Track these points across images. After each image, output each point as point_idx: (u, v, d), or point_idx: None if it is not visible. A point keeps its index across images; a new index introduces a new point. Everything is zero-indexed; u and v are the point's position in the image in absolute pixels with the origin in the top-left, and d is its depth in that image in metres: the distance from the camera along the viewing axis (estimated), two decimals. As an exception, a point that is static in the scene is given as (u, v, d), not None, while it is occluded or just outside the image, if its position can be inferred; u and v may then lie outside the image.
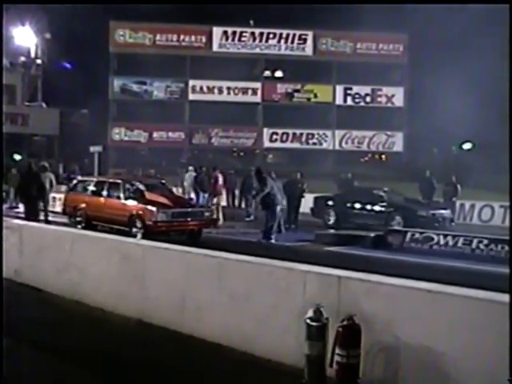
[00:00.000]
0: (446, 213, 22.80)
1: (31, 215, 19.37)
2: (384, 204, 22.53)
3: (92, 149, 34.61)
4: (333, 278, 7.00)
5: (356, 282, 6.84)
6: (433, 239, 17.49)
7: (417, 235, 17.92)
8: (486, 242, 16.46)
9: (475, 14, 38.33)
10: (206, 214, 18.95)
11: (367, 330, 6.33)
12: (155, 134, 59.85)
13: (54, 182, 22.69)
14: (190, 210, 18.41)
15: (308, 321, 6.47)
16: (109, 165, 48.86)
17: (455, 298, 6.10)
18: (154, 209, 17.58)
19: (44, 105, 50.49)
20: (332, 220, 23.73)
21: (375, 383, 6.41)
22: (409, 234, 18.05)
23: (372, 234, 18.75)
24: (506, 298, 5.86)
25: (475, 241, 16.66)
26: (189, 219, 18.03)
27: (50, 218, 21.58)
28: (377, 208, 22.56)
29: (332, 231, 20.81)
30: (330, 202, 24.25)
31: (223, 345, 7.81)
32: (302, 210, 23.61)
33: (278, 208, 18.94)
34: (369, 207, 22.72)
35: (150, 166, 38.71)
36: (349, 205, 23.46)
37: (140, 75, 59.02)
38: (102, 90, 58.04)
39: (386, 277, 6.76)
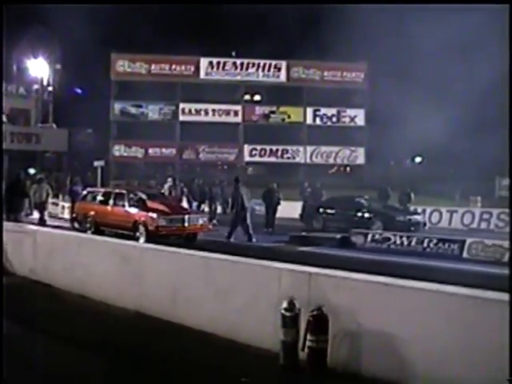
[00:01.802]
0: (420, 218, 22.64)
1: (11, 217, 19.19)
2: (365, 210, 22.00)
3: (96, 163, 34.44)
4: (304, 274, 7.01)
5: (324, 277, 6.87)
6: (390, 239, 17.49)
7: (377, 236, 17.92)
8: (435, 241, 16.52)
9: (426, 43, 38.62)
10: (201, 220, 18.72)
11: (334, 319, 6.35)
12: (150, 151, 59.58)
13: (50, 192, 22.92)
14: (186, 216, 18.12)
15: (283, 311, 6.49)
16: (110, 177, 48.61)
17: (408, 289, 6.15)
18: (155, 215, 17.46)
19: (54, 126, 50.22)
20: (318, 225, 23.15)
21: (341, 364, 6.43)
22: (370, 235, 18.02)
23: (338, 236, 18.67)
24: (448, 288, 5.93)
25: (426, 240, 16.72)
26: (186, 224, 17.78)
27: (49, 223, 21.64)
28: (359, 214, 21.93)
29: (304, 233, 20.33)
30: (317, 209, 23.72)
31: (209, 332, 7.80)
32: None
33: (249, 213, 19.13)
34: (352, 213, 21.99)
35: (146, 178, 38.53)
36: (334, 211, 22.96)
37: (137, 99, 58.78)
38: (104, 112, 57.80)
39: (350, 272, 6.79)
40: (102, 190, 21.43)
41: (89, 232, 18.59)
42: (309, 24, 53.36)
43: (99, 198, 19.99)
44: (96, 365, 6.99)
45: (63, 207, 27.87)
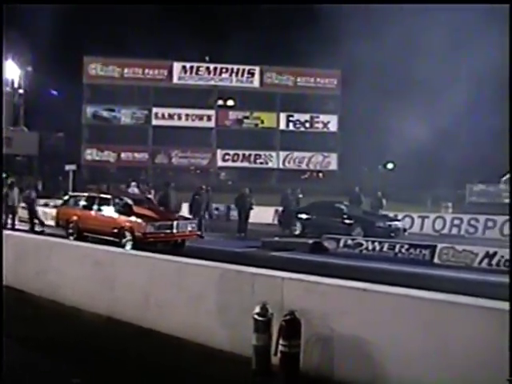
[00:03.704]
0: (400, 224, 22.49)
1: None
2: (345, 216, 21.76)
3: (67, 167, 34.04)
4: (277, 278, 7.04)
5: (297, 282, 6.89)
6: (362, 245, 17.58)
7: (349, 241, 17.97)
8: (406, 246, 16.64)
9: (399, 49, 39.01)
10: (189, 226, 18.07)
11: (306, 324, 6.38)
12: (123, 155, 59.50)
13: (19, 195, 22.84)
14: (175, 222, 17.47)
15: (255, 316, 6.50)
16: (83, 182, 48.30)
17: (380, 294, 6.20)
18: (142, 221, 16.90)
19: (25, 129, 49.90)
20: (298, 230, 22.90)
21: (314, 369, 6.45)
22: (342, 240, 18.07)
23: (310, 241, 18.65)
24: (420, 293, 6.00)
25: (398, 246, 16.84)
26: (174, 231, 17.23)
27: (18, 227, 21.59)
28: (339, 220, 21.60)
29: (276, 238, 20.14)
30: (297, 215, 23.45)
31: (182, 338, 7.78)
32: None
33: None
34: (331, 219, 21.60)
35: (118, 182, 38.30)
36: (314, 217, 22.64)
37: (110, 103, 58.76)
38: (76, 115, 57.57)
39: (322, 277, 6.82)
40: (86, 194, 20.70)
41: (71, 238, 18.00)
42: (283, 30, 53.53)
43: (82, 202, 19.30)
44: (64, 370, 6.92)
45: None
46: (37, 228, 22.02)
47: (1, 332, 6.91)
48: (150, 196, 23.90)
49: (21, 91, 50.56)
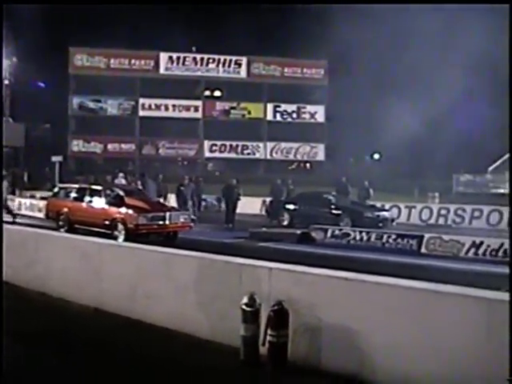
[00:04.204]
0: (388, 214, 22.61)
1: None
2: (333, 207, 21.82)
3: (53, 158, 33.97)
4: (265, 269, 7.05)
5: (284, 272, 6.90)
6: (350, 235, 17.62)
7: (336, 231, 18.00)
8: (394, 236, 16.69)
9: (386, 41, 39.01)
10: (182, 217, 17.92)
11: (294, 314, 6.39)
12: (109, 146, 59.24)
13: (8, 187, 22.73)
14: (168, 213, 17.29)
15: (243, 306, 6.51)
16: (69, 173, 48.11)
17: (368, 284, 6.21)
18: (134, 213, 16.69)
19: (11, 120, 49.50)
20: (286, 221, 22.83)
21: (301, 358, 6.47)
22: (329, 231, 18.09)
23: (298, 231, 18.68)
24: (407, 282, 6.03)
25: (385, 236, 16.88)
26: (167, 222, 17.03)
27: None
28: (327, 210, 21.64)
29: (264, 229, 20.12)
30: (285, 205, 23.41)
31: (170, 328, 7.79)
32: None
33: None
34: (320, 210, 21.63)
35: (104, 173, 38.17)
36: (302, 207, 22.62)
37: (96, 94, 58.36)
38: (62, 106, 57.24)
39: (310, 267, 6.84)
40: (76, 185, 20.21)
41: (62, 230, 17.81)
42: (270, 20, 53.44)
43: (73, 194, 19.10)
44: (48, 362, 6.89)
45: (20, 203, 27.51)
46: None
47: (1, 329, 6.88)
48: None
49: (6, 82, 50.14)
